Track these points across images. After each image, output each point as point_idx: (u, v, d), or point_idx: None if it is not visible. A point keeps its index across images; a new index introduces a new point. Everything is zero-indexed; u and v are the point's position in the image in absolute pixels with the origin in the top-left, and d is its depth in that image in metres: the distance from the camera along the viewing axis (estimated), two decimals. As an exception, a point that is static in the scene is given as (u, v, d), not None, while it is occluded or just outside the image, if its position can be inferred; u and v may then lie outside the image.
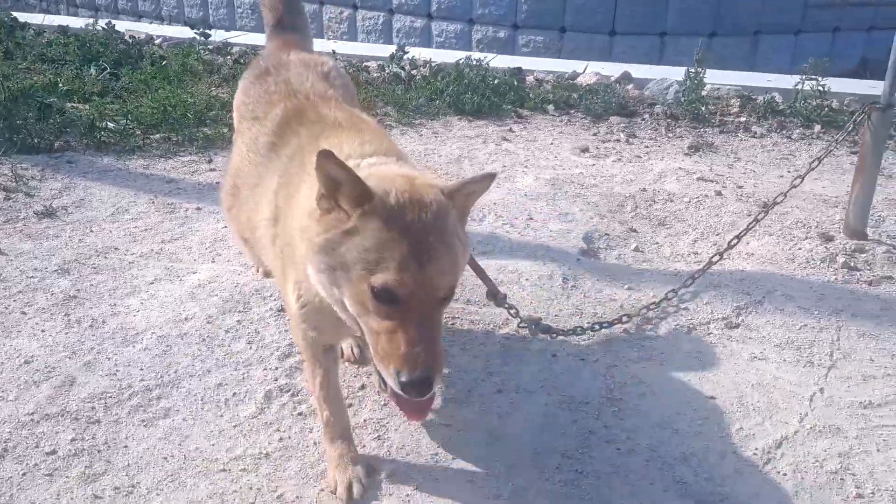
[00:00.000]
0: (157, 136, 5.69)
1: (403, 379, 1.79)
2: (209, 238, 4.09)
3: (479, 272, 3.06)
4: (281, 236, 2.25)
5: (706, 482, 2.49)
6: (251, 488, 2.42)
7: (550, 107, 7.14)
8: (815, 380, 3.05)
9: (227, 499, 2.38)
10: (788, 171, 5.74)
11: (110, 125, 5.61)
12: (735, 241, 3.76)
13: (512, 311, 3.11)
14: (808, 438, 2.72)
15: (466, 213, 2.08)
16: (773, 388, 2.99)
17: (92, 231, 4.11)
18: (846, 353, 3.23)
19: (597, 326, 3.27)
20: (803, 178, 4.09)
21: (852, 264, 3.98)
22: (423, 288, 1.80)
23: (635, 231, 4.51)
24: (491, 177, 2.08)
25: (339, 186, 1.84)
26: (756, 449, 2.66)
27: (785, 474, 2.55)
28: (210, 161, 5.30)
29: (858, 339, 3.32)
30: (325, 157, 1.80)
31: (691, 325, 3.43)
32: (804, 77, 7.04)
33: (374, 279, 1.78)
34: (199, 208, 4.46)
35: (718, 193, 5.05)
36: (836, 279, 3.88)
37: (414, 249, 1.79)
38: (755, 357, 3.19)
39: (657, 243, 4.38)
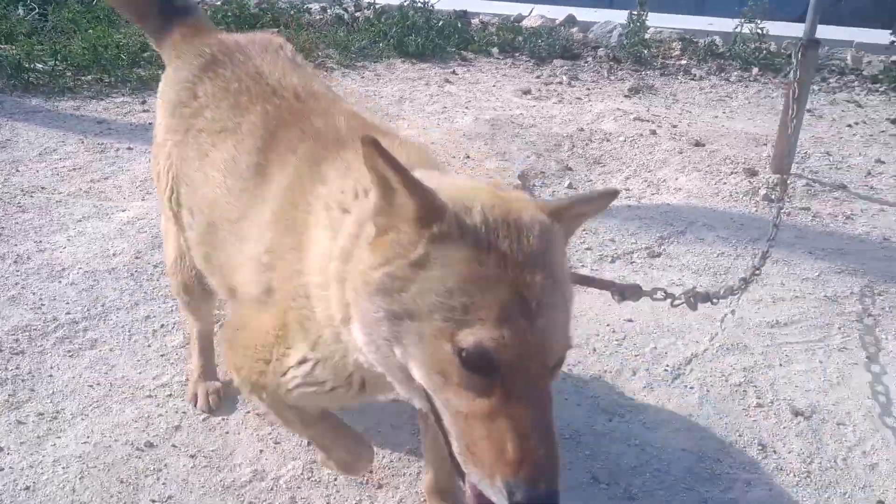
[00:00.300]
0: (89, 77, 5.53)
1: (519, 498, 1.21)
2: (140, 177, 4.04)
3: (592, 283, 2.35)
4: (279, 289, 1.68)
5: (617, 396, 2.63)
6: (177, 412, 2.48)
7: (495, 49, 7.12)
8: (727, 302, 3.19)
9: (153, 421, 2.43)
10: (724, 112, 5.87)
11: (39, 66, 5.43)
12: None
13: (658, 295, 2.32)
14: (717, 355, 2.87)
15: (569, 239, 1.54)
16: (687, 310, 3.12)
17: (18, 171, 4.03)
18: (759, 277, 3.38)
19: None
20: (793, 127, 4.10)
21: (773, 197, 4.13)
22: (533, 351, 1.25)
23: (570, 169, 4.59)
24: (612, 194, 1.58)
25: (393, 197, 1.33)
26: (667, 366, 2.80)
27: (692, 388, 2.69)
28: (144, 102, 5.19)
29: (772, 265, 3.48)
30: (372, 146, 1.28)
31: (616, 255, 3.55)
32: (743, 20, 7.15)
33: (464, 336, 1.24)
34: (130, 148, 4.39)
35: (653, 133, 5.15)
36: (756, 211, 4.03)
37: (518, 293, 1.26)
38: (674, 283, 3.32)
39: (591, 181, 4.47)
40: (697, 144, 4.97)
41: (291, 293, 1.62)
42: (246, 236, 1.82)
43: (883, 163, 4.84)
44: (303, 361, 1.64)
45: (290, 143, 1.86)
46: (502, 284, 1.26)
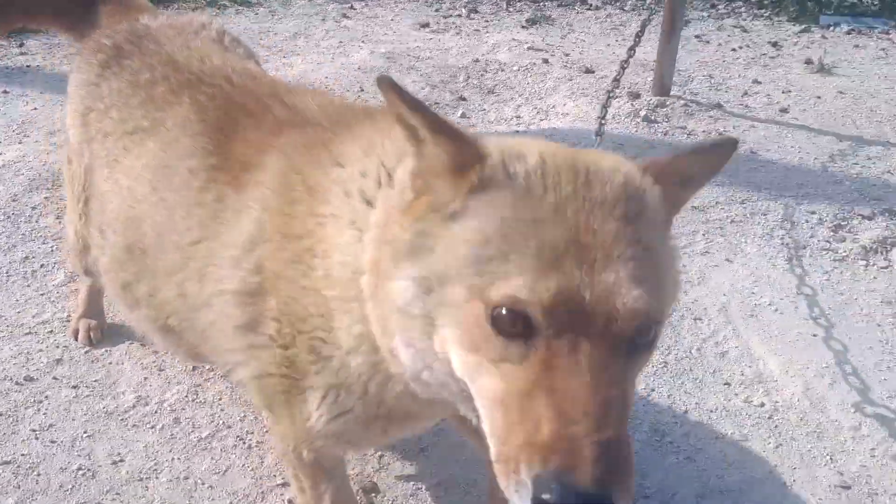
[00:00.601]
0: (-41, 20, 5.22)
1: (547, 496, 0.89)
2: (17, 121, 3.90)
3: None
4: (279, 318, 1.40)
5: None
6: (58, 346, 2.49)
7: (394, -17, 7.04)
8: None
9: (33, 357, 2.44)
10: (616, 40, 6.01)
11: None
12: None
13: None
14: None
15: (678, 209, 1.22)
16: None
17: None
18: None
19: None
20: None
21: (652, 118, 4.32)
22: (591, 311, 0.97)
23: (464, 99, 4.66)
24: (730, 145, 1.22)
25: (424, 149, 1.12)
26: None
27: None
28: (21, 45, 4.95)
29: (646, 181, 3.68)
30: (389, 87, 1.07)
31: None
32: (638, -52, 7.26)
33: (495, 290, 0.99)
34: (6, 91, 4.21)
35: (545, 62, 5.26)
36: (636, 131, 4.22)
37: (576, 239, 1.00)
38: (554, 201, 3.48)
39: (484, 110, 4.56)
40: (587, 71, 5.10)
41: (299, 316, 1.35)
42: (211, 263, 1.49)
43: (759, 83, 5.10)
44: (325, 396, 1.38)
45: (259, 134, 1.55)
46: (555, 228, 1.00)
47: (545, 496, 0.89)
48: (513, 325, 0.98)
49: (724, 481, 2.17)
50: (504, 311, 0.98)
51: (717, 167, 1.23)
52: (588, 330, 0.97)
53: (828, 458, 2.29)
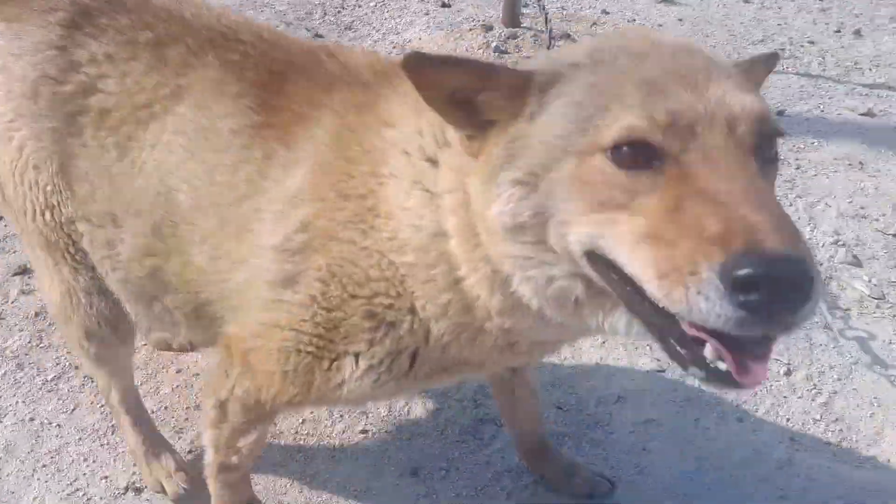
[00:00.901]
0: None
1: (744, 270, 0.84)
2: None
3: None
4: (329, 279, 1.32)
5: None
6: None
7: (247, -82, 6.77)
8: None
9: None
10: (476, -26, 6.07)
11: None
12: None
13: None
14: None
15: None
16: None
17: None
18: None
19: None
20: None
21: (503, 48, 4.45)
22: (707, 120, 0.98)
23: (321, 36, 4.63)
24: (774, 58, 1.33)
25: (477, 107, 1.11)
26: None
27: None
28: None
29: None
30: (420, 62, 1.07)
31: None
32: None
33: (606, 135, 1.00)
34: None
35: (403, -4, 5.27)
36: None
37: (667, 70, 1.03)
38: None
39: (341, 46, 4.54)
40: (444, 5, 5.16)
41: (355, 279, 1.29)
42: (255, 219, 1.40)
43: (608, 13, 5.33)
44: (380, 363, 1.34)
45: (311, 88, 1.46)
46: (645, 69, 1.03)
47: (742, 272, 0.84)
48: (635, 159, 0.98)
49: (557, 371, 2.39)
50: (624, 149, 0.98)
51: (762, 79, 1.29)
52: (714, 139, 0.97)
53: (649, 349, 2.55)
